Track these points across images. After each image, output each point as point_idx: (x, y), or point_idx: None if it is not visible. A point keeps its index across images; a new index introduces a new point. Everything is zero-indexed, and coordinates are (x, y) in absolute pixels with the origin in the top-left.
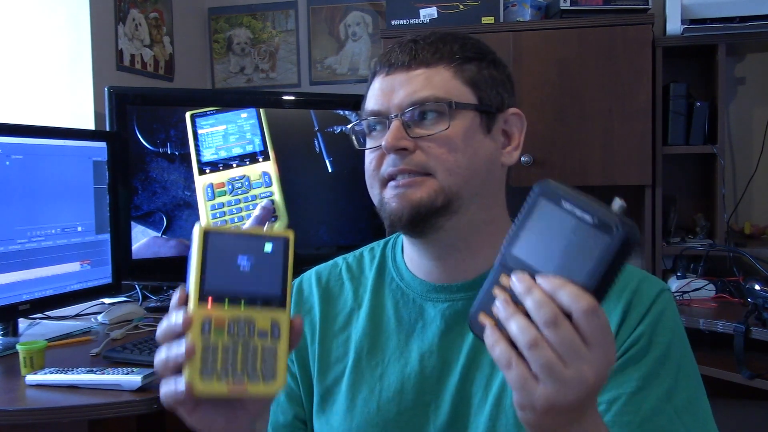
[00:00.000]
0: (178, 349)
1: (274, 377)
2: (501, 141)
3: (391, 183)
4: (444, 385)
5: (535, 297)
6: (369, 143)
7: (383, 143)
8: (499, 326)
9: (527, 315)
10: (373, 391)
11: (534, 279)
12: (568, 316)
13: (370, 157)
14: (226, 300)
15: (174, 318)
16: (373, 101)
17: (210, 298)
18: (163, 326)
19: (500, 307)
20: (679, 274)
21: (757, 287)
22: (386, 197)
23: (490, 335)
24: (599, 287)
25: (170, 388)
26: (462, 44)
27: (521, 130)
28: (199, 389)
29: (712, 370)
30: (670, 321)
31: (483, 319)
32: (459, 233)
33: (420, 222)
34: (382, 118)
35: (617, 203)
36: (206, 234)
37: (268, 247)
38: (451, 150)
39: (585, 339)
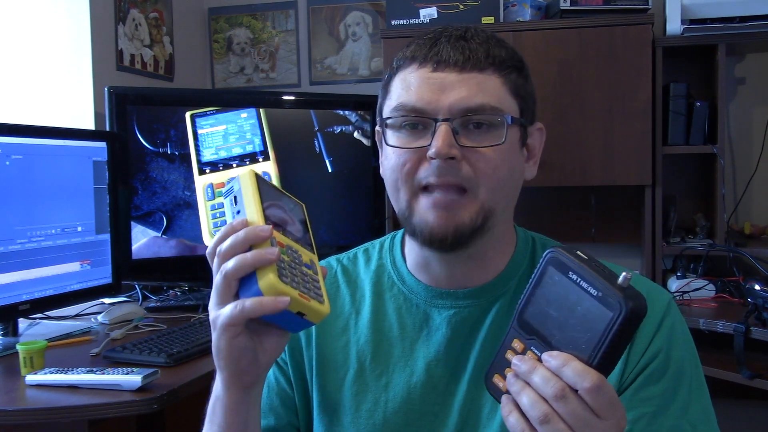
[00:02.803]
0: (260, 252)
1: (323, 301)
2: (525, 155)
3: (427, 196)
4: (452, 394)
5: (540, 374)
6: (401, 140)
7: (433, 149)
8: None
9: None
10: (378, 401)
11: (540, 351)
12: (575, 390)
13: (404, 158)
14: (281, 230)
15: (247, 232)
16: (414, 96)
17: (272, 224)
18: (228, 242)
19: (510, 381)
20: (679, 274)
21: (757, 287)
22: (421, 209)
23: (505, 405)
24: (604, 361)
25: (245, 298)
26: (507, 50)
27: (541, 145)
28: (279, 287)
29: (712, 370)
30: (682, 333)
31: (497, 381)
32: (482, 246)
33: (460, 243)
34: (426, 117)
35: (623, 277)
36: (258, 177)
37: (290, 204)
38: (497, 166)
39: (594, 412)
